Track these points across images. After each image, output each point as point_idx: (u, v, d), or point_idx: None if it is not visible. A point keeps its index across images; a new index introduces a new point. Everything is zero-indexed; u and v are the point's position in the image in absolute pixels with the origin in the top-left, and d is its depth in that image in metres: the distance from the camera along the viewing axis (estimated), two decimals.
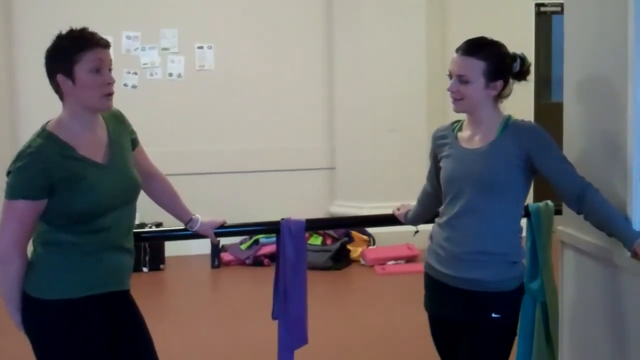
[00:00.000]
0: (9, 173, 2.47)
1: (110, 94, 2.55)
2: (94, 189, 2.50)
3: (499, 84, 2.68)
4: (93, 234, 2.53)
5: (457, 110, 2.74)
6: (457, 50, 2.70)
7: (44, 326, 2.52)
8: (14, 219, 2.46)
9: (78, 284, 2.51)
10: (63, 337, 2.52)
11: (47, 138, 2.49)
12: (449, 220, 2.75)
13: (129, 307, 2.73)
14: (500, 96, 2.73)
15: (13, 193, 2.44)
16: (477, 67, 2.65)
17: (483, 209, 2.66)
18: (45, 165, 2.43)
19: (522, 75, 2.74)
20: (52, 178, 2.43)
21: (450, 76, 2.71)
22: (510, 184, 2.66)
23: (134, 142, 2.80)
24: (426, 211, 3.10)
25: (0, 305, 2.57)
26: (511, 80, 2.73)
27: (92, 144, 2.57)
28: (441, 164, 2.81)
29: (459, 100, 2.69)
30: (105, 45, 2.54)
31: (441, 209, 2.82)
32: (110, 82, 2.53)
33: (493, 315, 2.66)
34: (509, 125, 2.69)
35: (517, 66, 2.71)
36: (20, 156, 2.45)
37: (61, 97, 2.56)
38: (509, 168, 2.64)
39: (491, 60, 2.66)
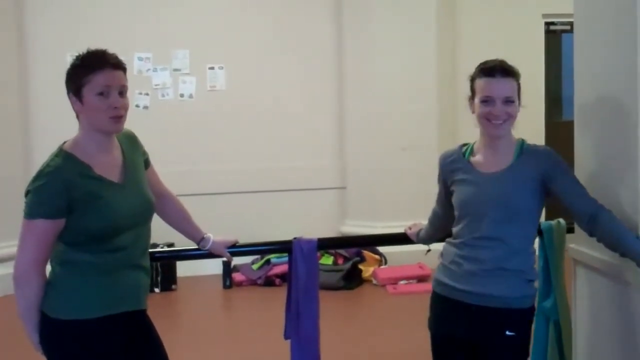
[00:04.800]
0: (27, 193, 2.48)
1: (117, 117, 2.53)
2: (111, 208, 2.52)
3: (520, 101, 2.74)
4: (111, 253, 2.54)
5: (501, 135, 2.71)
6: (492, 74, 2.68)
7: (62, 346, 2.53)
8: (33, 239, 2.47)
9: (96, 303, 2.52)
10: (81, 357, 2.52)
11: (65, 158, 2.51)
12: (467, 241, 2.74)
13: (146, 326, 2.74)
14: None
15: (32, 212, 2.46)
16: (515, 87, 2.71)
17: (502, 232, 2.67)
18: (64, 185, 2.45)
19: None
20: (71, 197, 2.45)
21: (486, 101, 2.68)
22: (527, 207, 2.69)
23: (146, 163, 2.81)
24: (438, 231, 3.10)
25: (19, 324, 2.58)
26: None
27: (108, 164, 2.59)
28: (454, 189, 2.81)
29: (505, 124, 2.68)
30: (116, 66, 2.53)
31: (455, 230, 2.81)
32: (117, 106, 2.51)
33: (507, 332, 2.65)
34: (525, 149, 2.73)
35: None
36: (39, 176, 2.47)
37: (76, 116, 2.59)
38: (526, 191, 2.67)
39: (518, 80, 2.73)
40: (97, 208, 2.49)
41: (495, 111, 2.67)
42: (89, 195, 2.49)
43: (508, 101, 2.68)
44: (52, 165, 2.49)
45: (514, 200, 2.66)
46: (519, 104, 2.72)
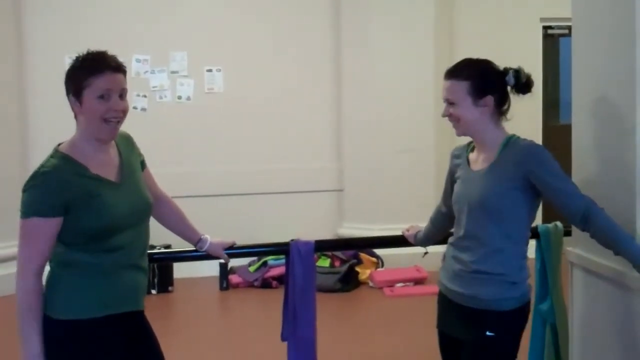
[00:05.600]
0: (23, 193, 2.48)
1: (113, 120, 2.53)
2: (108, 207, 2.52)
3: (488, 99, 2.68)
4: (109, 253, 2.54)
5: (458, 134, 2.77)
6: (444, 75, 2.75)
7: (60, 346, 2.52)
8: (29, 238, 2.47)
9: (94, 303, 2.52)
10: (79, 357, 2.52)
11: (60, 158, 2.51)
12: (454, 241, 2.79)
13: (144, 327, 2.74)
14: (501, 113, 2.73)
15: (26, 211, 2.46)
16: (460, 87, 2.69)
17: (478, 231, 2.67)
18: (60, 184, 2.45)
19: (524, 88, 2.72)
20: (67, 196, 2.45)
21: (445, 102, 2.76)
22: (507, 207, 2.63)
23: (142, 165, 2.82)
24: (438, 231, 3.11)
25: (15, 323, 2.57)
26: (510, 96, 2.73)
27: (105, 164, 2.60)
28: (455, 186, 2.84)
29: (456, 124, 2.73)
30: (116, 69, 2.54)
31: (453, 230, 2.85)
32: (117, 109, 2.52)
33: (487, 333, 2.64)
34: (508, 144, 2.67)
35: (511, 79, 2.70)
36: (34, 176, 2.48)
37: (75, 116, 2.59)
38: (505, 190, 2.62)
39: (473, 78, 2.68)
40: (94, 207, 2.50)
41: (442, 112, 2.76)
42: (86, 194, 2.49)
43: (450, 103, 2.72)
44: (47, 165, 2.49)
45: (490, 199, 2.62)
46: (483, 103, 2.67)
